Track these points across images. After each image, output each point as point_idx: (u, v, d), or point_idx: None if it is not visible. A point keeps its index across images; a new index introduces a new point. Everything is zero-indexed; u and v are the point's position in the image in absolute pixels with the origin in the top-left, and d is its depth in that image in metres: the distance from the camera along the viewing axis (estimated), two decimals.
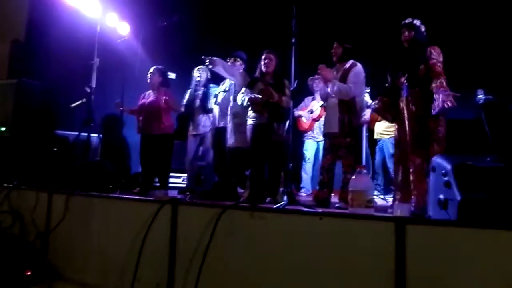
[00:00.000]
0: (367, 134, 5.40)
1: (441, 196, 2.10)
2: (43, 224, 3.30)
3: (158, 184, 4.84)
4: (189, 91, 5.26)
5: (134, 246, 2.66)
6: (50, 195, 3.33)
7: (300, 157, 5.77)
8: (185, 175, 5.48)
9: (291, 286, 2.11)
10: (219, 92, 4.66)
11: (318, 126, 5.61)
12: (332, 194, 3.96)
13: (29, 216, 3.39)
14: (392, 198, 3.55)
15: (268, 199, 3.90)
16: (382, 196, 5.14)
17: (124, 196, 3.14)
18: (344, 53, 3.84)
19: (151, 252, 2.61)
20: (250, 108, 4.10)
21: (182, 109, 5.16)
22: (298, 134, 5.77)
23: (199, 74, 5.13)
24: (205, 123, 4.89)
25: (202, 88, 5.06)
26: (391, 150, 4.93)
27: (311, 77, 5.47)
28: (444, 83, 3.12)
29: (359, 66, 3.78)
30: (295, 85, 3.50)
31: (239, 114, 4.28)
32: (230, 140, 4.31)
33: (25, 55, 5.79)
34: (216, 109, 4.71)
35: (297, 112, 5.67)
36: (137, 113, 4.93)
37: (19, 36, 5.91)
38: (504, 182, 1.99)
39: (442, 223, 1.87)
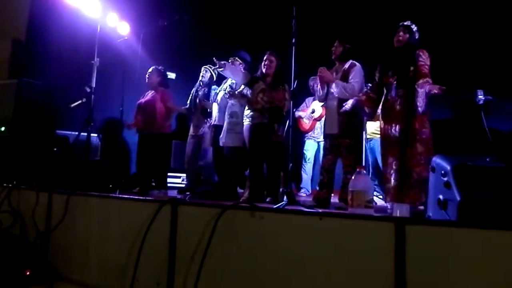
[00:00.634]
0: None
1: (441, 197, 2.11)
2: (43, 224, 3.30)
3: (154, 184, 4.85)
4: (193, 90, 5.29)
5: (134, 246, 2.66)
6: (50, 195, 3.33)
7: (300, 158, 5.78)
8: (185, 175, 5.49)
9: (291, 286, 2.11)
10: (220, 91, 4.68)
11: (319, 127, 5.62)
12: (332, 195, 3.97)
13: (29, 216, 3.39)
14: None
15: (268, 199, 3.91)
16: (381, 197, 5.14)
17: (124, 196, 3.14)
18: (344, 53, 3.85)
19: (151, 252, 2.61)
20: (247, 108, 4.12)
21: (184, 109, 5.18)
22: (299, 135, 5.77)
23: (202, 73, 5.15)
24: (204, 124, 4.90)
25: (204, 88, 5.07)
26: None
27: (312, 77, 5.47)
28: (430, 82, 3.17)
29: (358, 65, 3.80)
30: (295, 85, 3.51)
31: (236, 114, 4.30)
32: (224, 139, 4.31)
33: (26, 55, 5.80)
34: (215, 108, 4.72)
35: (297, 113, 5.68)
36: (135, 113, 4.95)
37: (20, 36, 5.92)
38: (505, 182, 1.99)
39: (441, 224, 1.87)
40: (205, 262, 2.33)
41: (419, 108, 3.21)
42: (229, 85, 4.56)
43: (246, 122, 4.09)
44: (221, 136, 4.34)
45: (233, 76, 4.33)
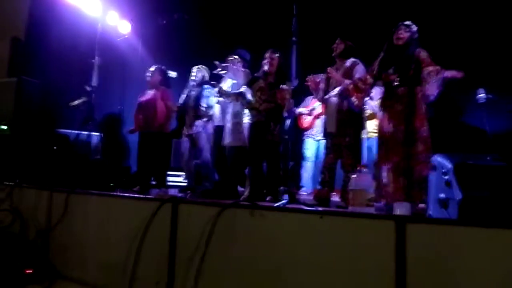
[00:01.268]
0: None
1: (442, 195, 2.10)
2: (43, 222, 3.30)
3: (154, 183, 4.84)
4: (185, 90, 5.27)
5: (134, 244, 2.66)
6: (50, 193, 3.33)
7: (300, 156, 5.77)
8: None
9: (291, 285, 2.11)
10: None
11: (319, 125, 5.61)
12: (333, 193, 3.96)
13: (30, 214, 3.39)
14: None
15: (268, 198, 3.91)
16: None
17: (124, 194, 3.14)
18: (345, 50, 3.84)
19: (151, 250, 2.61)
20: (246, 107, 4.14)
21: (175, 108, 5.15)
22: (299, 133, 5.76)
23: (195, 73, 5.14)
24: (197, 123, 4.87)
25: (197, 88, 5.05)
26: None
27: (310, 76, 5.46)
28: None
29: (361, 64, 3.78)
30: (295, 83, 3.50)
31: (239, 114, 4.30)
32: (228, 139, 4.31)
33: (26, 53, 5.78)
34: (217, 108, 4.71)
35: (298, 109, 5.66)
36: (135, 111, 4.94)
37: (20, 34, 5.90)
38: (505, 180, 1.99)
39: (442, 222, 1.87)
40: (205, 260, 2.33)
41: (431, 97, 3.20)
42: (229, 86, 4.54)
43: (246, 120, 4.11)
44: (224, 135, 4.34)
45: (235, 78, 4.33)
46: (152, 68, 4.95)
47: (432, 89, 3.21)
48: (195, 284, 2.31)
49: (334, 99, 3.80)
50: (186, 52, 6.86)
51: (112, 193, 3.34)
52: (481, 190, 1.97)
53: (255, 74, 4.24)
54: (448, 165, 2.09)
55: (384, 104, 3.51)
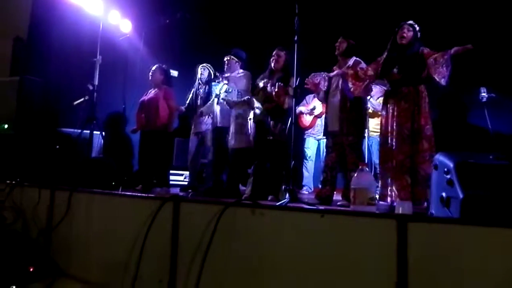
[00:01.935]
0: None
1: (444, 194, 2.10)
2: (45, 220, 3.31)
3: (156, 182, 4.85)
4: (192, 90, 5.28)
5: (136, 243, 2.67)
6: (52, 192, 3.34)
7: (301, 155, 5.77)
8: (187, 172, 5.50)
9: (293, 283, 2.11)
10: (220, 93, 4.63)
11: (320, 124, 5.61)
12: (335, 192, 3.96)
13: (32, 212, 3.40)
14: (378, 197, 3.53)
15: (270, 197, 3.91)
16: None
17: (126, 193, 3.15)
18: (348, 48, 3.84)
19: (153, 249, 2.61)
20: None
21: (183, 108, 5.18)
22: (300, 132, 5.76)
23: (201, 72, 5.15)
24: (206, 121, 4.89)
25: (205, 86, 5.08)
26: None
27: (312, 74, 5.45)
28: None
29: (363, 63, 3.78)
30: (297, 82, 3.51)
31: (242, 115, 4.32)
32: (232, 141, 4.31)
33: (28, 52, 5.80)
34: (217, 109, 4.69)
35: (298, 109, 5.65)
36: (137, 110, 4.94)
37: (22, 34, 5.92)
38: (507, 179, 1.99)
39: (444, 221, 1.87)
40: (207, 259, 2.33)
41: (443, 80, 3.19)
42: (225, 90, 4.52)
43: (252, 121, 4.17)
44: (229, 137, 4.34)
45: (238, 86, 4.37)
46: (154, 67, 4.96)
47: (442, 71, 3.21)
48: (197, 282, 2.32)
49: (337, 98, 3.80)
50: (187, 51, 6.87)
51: (114, 191, 3.35)
52: (483, 189, 1.96)
53: (258, 79, 4.27)
54: (450, 164, 2.09)
55: (389, 102, 3.51)
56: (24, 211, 3.49)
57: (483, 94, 4.08)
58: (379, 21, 5.14)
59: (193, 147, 5.08)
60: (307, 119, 5.73)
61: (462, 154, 2.16)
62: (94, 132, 5.01)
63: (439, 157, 2.24)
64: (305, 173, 5.78)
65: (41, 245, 3.24)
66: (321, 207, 2.60)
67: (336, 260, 1.99)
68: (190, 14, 5.84)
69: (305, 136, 5.81)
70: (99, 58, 5.07)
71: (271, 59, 4.20)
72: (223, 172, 4.48)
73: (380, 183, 3.49)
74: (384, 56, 3.61)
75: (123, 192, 3.29)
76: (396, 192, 3.30)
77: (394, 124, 3.40)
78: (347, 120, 3.69)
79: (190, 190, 4.74)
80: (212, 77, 5.14)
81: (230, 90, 4.47)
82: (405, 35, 3.48)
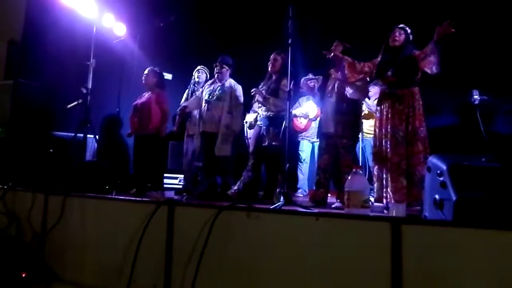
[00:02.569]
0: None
1: (437, 196, 2.11)
2: (39, 225, 3.29)
3: (149, 185, 4.83)
4: (187, 91, 5.26)
5: (130, 247, 2.66)
6: (46, 196, 3.32)
7: (296, 158, 5.78)
8: (182, 176, 5.48)
9: (288, 286, 2.11)
10: (210, 98, 4.57)
11: (314, 127, 5.62)
12: (329, 195, 3.97)
13: (25, 217, 3.38)
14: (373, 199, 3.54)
15: (265, 201, 3.93)
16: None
17: (120, 197, 3.14)
18: (343, 52, 3.87)
19: (147, 253, 2.60)
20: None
21: (178, 110, 5.16)
22: (294, 135, 5.77)
23: (198, 75, 5.15)
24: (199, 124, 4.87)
25: (201, 89, 5.07)
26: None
27: (305, 78, 5.48)
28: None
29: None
30: (291, 85, 3.52)
31: (229, 125, 4.34)
32: (218, 149, 4.30)
33: (22, 55, 5.78)
34: (206, 114, 4.63)
35: (292, 112, 5.66)
36: (131, 114, 4.92)
37: (16, 37, 5.89)
38: (500, 182, 2.00)
39: (437, 223, 1.88)
40: (202, 263, 2.33)
41: (434, 67, 3.22)
42: (217, 94, 4.48)
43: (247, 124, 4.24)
44: (216, 145, 4.32)
45: (232, 94, 4.43)
46: (146, 71, 4.94)
47: (430, 60, 3.25)
48: (192, 286, 2.31)
49: (332, 100, 3.82)
50: (182, 54, 6.86)
51: (108, 195, 3.34)
52: (476, 191, 1.97)
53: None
54: (443, 166, 2.10)
55: (383, 104, 3.53)
56: (17, 215, 3.46)
57: (475, 96, 4.11)
58: (373, 24, 5.16)
59: (188, 150, 5.06)
60: (301, 122, 5.74)
61: (455, 156, 2.17)
62: (88, 135, 4.99)
63: (432, 160, 2.25)
64: (300, 176, 5.79)
65: (34, 250, 3.22)
66: (316, 210, 2.60)
67: (331, 263, 1.99)
68: (184, 17, 5.84)
69: (299, 139, 5.82)
70: (93, 61, 5.05)
71: (269, 63, 4.24)
72: (216, 176, 4.47)
73: (376, 185, 3.50)
74: (379, 59, 3.63)
75: (117, 196, 3.27)
76: (391, 194, 3.31)
77: (389, 126, 3.42)
78: (342, 123, 3.71)
79: (184, 194, 4.73)
80: (209, 78, 5.15)
81: (218, 98, 4.43)
82: (397, 38, 3.52)
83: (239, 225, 2.31)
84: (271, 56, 4.26)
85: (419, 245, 1.79)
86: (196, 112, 4.83)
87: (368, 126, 5.15)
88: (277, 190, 3.90)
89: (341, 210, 3.20)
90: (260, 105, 4.34)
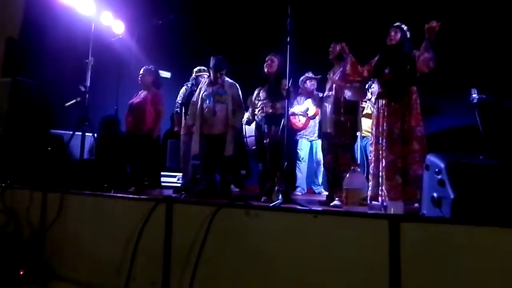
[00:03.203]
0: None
1: (435, 194, 2.12)
2: (37, 223, 3.29)
3: (147, 183, 4.83)
4: (183, 88, 5.24)
5: (129, 244, 2.65)
6: (44, 194, 3.31)
7: (295, 157, 5.78)
8: (180, 174, 5.48)
9: (287, 284, 2.11)
10: (212, 101, 4.55)
11: (313, 125, 5.63)
12: (327, 193, 4.00)
13: (24, 215, 3.37)
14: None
15: (263, 198, 3.93)
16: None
17: (118, 194, 3.14)
18: (341, 53, 3.88)
19: (146, 250, 2.60)
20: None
21: (177, 109, 5.16)
22: (293, 133, 5.77)
23: (200, 80, 5.13)
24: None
25: (199, 92, 5.05)
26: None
27: (306, 75, 5.49)
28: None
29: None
30: (289, 84, 3.52)
31: (234, 126, 4.37)
32: (227, 149, 4.30)
33: (20, 53, 5.76)
34: (207, 117, 4.61)
35: (291, 110, 5.66)
36: (126, 113, 4.91)
37: (14, 35, 5.88)
38: (498, 179, 2.01)
39: (436, 221, 1.88)
40: (200, 260, 2.33)
41: (431, 63, 3.23)
42: (210, 93, 4.46)
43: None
44: (226, 146, 4.32)
45: (232, 94, 4.42)
46: (142, 70, 4.91)
47: (425, 57, 3.26)
48: (191, 284, 2.31)
49: (331, 101, 3.84)
50: (180, 52, 6.86)
51: (106, 193, 3.34)
52: (474, 189, 1.98)
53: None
54: (441, 164, 2.11)
55: (380, 102, 3.54)
56: (15, 213, 3.46)
57: (474, 95, 4.12)
58: (372, 21, 5.17)
59: (185, 148, 5.04)
60: (300, 120, 5.74)
61: (453, 154, 2.18)
62: (86, 133, 4.98)
63: (430, 158, 2.26)
64: (298, 174, 5.80)
65: (33, 248, 3.22)
66: (314, 208, 2.61)
67: (329, 261, 1.99)
68: (183, 15, 5.84)
69: (298, 138, 5.82)
70: (91, 59, 5.04)
71: (265, 64, 4.24)
72: (215, 174, 4.46)
73: (371, 183, 3.51)
74: (376, 58, 3.64)
75: (115, 194, 3.27)
76: (386, 192, 3.33)
77: (385, 124, 3.43)
78: (340, 122, 3.73)
79: (183, 192, 4.73)
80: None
81: (220, 100, 4.42)
82: (392, 37, 3.54)
83: (238, 223, 2.31)
84: (267, 58, 4.27)
85: (417, 243, 1.79)
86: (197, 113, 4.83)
87: (369, 124, 5.15)
88: (276, 188, 3.91)
89: (340, 208, 3.22)
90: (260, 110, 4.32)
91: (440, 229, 1.77)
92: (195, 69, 5.18)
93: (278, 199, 3.08)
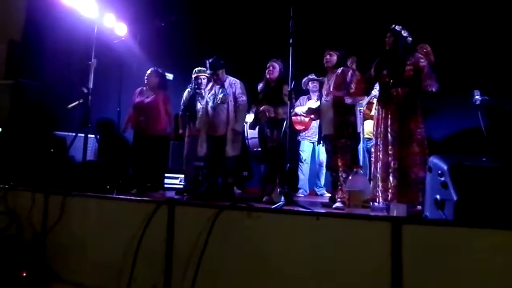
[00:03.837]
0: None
1: (438, 196, 2.11)
2: (39, 225, 3.29)
3: (149, 185, 4.83)
4: (187, 90, 5.25)
5: (130, 246, 2.65)
6: (46, 196, 3.32)
7: (297, 158, 5.77)
8: (182, 176, 5.48)
9: (289, 286, 2.11)
10: (214, 101, 4.57)
11: (315, 126, 5.61)
12: (329, 195, 3.99)
13: (26, 217, 3.37)
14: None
15: (265, 198, 3.94)
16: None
17: (121, 196, 3.14)
18: (338, 62, 3.92)
19: (148, 252, 2.60)
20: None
21: (181, 111, 5.18)
22: (295, 135, 5.77)
23: (199, 81, 5.14)
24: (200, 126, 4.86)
25: (202, 90, 5.08)
26: None
27: (308, 77, 5.49)
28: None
29: (351, 71, 3.82)
30: (292, 85, 3.52)
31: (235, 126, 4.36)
32: (229, 149, 4.29)
33: (22, 55, 5.78)
34: (209, 117, 4.61)
35: (293, 111, 5.65)
36: (133, 111, 4.89)
37: (16, 36, 5.90)
38: (501, 181, 2.00)
39: (438, 223, 1.88)
40: (202, 263, 2.32)
41: (433, 88, 3.24)
42: (220, 97, 4.47)
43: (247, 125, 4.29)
44: (226, 147, 4.32)
45: (234, 91, 4.41)
46: (149, 71, 4.93)
47: (427, 84, 3.28)
48: (193, 286, 2.31)
49: (330, 102, 3.84)
50: (183, 54, 6.86)
51: (108, 195, 3.34)
52: (477, 191, 1.97)
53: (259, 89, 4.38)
54: (444, 166, 2.10)
55: (379, 105, 3.56)
56: (17, 215, 3.46)
57: (477, 97, 4.12)
58: (373, 23, 5.16)
59: (188, 149, 5.06)
60: (302, 121, 5.73)
61: (456, 156, 2.17)
62: (89, 135, 4.99)
63: (433, 160, 2.25)
64: (301, 176, 5.78)
65: (35, 250, 3.22)
66: (316, 210, 2.60)
67: (332, 262, 1.99)
68: (185, 17, 5.85)
69: (300, 139, 5.81)
70: (94, 61, 5.05)
71: (266, 70, 4.27)
72: (217, 176, 4.46)
73: (372, 184, 3.51)
74: (376, 61, 3.66)
75: (117, 196, 3.27)
76: (380, 193, 3.34)
77: (382, 126, 3.45)
78: (340, 123, 3.74)
79: (185, 194, 4.73)
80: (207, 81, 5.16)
81: (222, 101, 4.42)
82: (387, 41, 3.56)
83: (240, 225, 2.30)
84: (268, 64, 4.30)
85: (419, 245, 1.79)
86: (199, 114, 4.85)
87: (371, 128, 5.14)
88: (278, 190, 3.91)
89: (342, 210, 3.21)
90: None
91: (443, 231, 1.77)
92: (195, 70, 5.21)
93: (280, 201, 3.07)
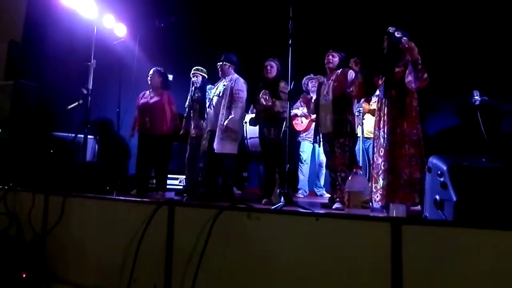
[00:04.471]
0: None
1: (437, 197, 2.11)
2: (39, 225, 3.29)
3: (154, 186, 4.82)
4: (190, 93, 5.31)
5: (131, 247, 2.66)
6: (46, 197, 3.32)
7: (297, 159, 5.78)
8: (183, 177, 5.49)
9: (288, 286, 2.11)
10: (213, 96, 4.62)
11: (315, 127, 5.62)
12: (329, 195, 3.99)
13: (26, 217, 3.37)
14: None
15: (264, 200, 3.93)
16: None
17: (121, 197, 3.14)
18: (339, 63, 3.93)
19: (148, 253, 2.60)
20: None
21: (186, 113, 5.22)
22: (295, 135, 5.77)
23: (194, 79, 5.17)
24: (203, 125, 4.88)
25: (201, 90, 5.11)
26: None
27: (306, 77, 5.50)
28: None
29: (351, 70, 3.83)
30: (292, 86, 3.53)
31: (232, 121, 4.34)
32: (215, 145, 4.29)
33: (22, 56, 5.79)
34: (210, 114, 4.65)
35: (293, 112, 5.66)
36: (137, 113, 4.89)
37: (16, 37, 5.90)
38: (500, 182, 2.00)
39: (438, 223, 1.88)
40: (202, 263, 2.32)
41: (412, 85, 3.19)
42: (220, 91, 4.50)
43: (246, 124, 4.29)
44: (214, 142, 4.31)
45: (235, 89, 4.39)
46: (151, 71, 4.94)
47: (409, 80, 3.21)
48: (193, 286, 2.31)
49: (329, 101, 3.85)
50: (182, 55, 6.87)
51: (108, 196, 3.34)
52: (476, 192, 1.97)
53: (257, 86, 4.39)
54: (443, 167, 2.10)
55: (377, 106, 3.57)
56: (17, 216, 3.46)
57: (476, 97, 4.11)
58: (373, 24, 5.17)
59: (190, 151, 5.08)
60: (302, 122, 5.74)
61: (455, 157, 2.17)
62: (89, 136, 4.99)
63: (433, 160, 2.25)
64: (301, 177, 5.79)
65: (35, 251, 3.22)
66: (316, 211, 2.60)
67: (331, 263, 1.99)
68: (185, 17, 5.84)
69: (300, 140, 5.82)
70: (93, 62, 5.06)
71: (264, 70, 4.27)
72: (217, 176, 4.46)
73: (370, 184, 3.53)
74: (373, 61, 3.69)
75: (117, 197, 3.27)
76: (372, 195, 3.35)
77: (377, 127, 3.47)
78: (339, 121, 3.75)
79: (185, 194, 4.74)
80: (206, 78, 5.19)
81: (221, 94, 4.44)
82: (383, 43, 3.57)
83: (240, 226, 2.30)
84: (266, 63, 4.30)
85: (419, 246, 1.79)
86: (198, 116, 4.90)
87: (372, 126, 5.14)
88: (278, 190, 3.91)
89: (342, 210, 3.22)
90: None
91: (443, 232, 1.77)
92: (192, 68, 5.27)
93: (280, 202, 3.08)
